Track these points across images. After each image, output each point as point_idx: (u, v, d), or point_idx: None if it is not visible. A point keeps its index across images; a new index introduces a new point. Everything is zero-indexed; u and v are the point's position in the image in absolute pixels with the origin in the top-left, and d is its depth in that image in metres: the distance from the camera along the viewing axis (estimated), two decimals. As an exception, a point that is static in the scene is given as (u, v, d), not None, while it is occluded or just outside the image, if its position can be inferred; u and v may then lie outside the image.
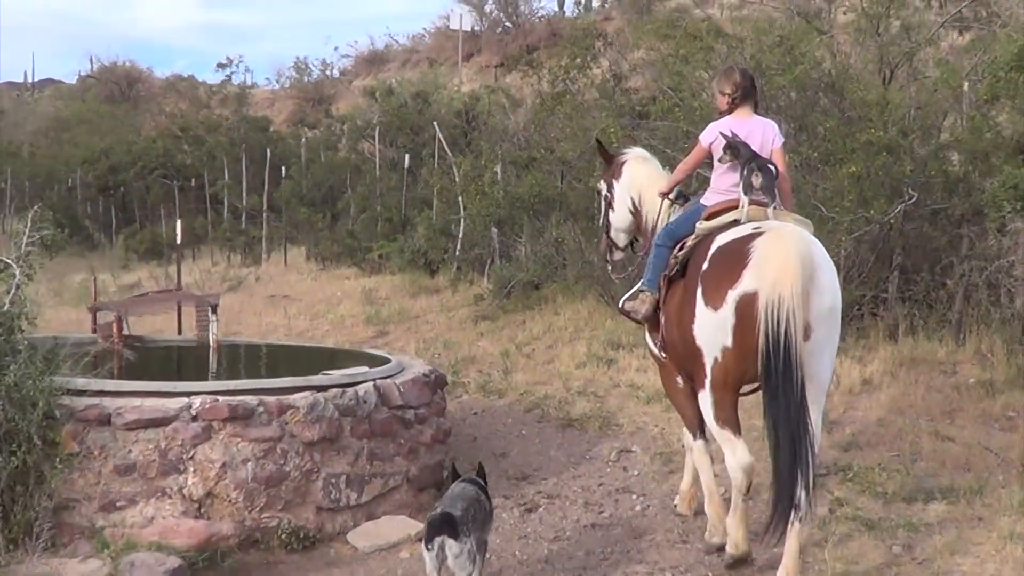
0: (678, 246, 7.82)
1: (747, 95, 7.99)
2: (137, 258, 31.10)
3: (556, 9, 47.70)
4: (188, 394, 8.19)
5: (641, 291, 8.10)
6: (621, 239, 9.25)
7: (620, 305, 8.52)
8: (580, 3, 49.26)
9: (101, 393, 8.14)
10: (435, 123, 22.47)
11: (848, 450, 10.16)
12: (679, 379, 8.16)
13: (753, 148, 7.74)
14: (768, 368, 6.62)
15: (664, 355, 8.08)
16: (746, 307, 6.73)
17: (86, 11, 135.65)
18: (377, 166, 25.37)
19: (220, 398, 8.13)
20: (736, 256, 6.92)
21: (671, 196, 8.65)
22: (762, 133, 7.92)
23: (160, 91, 57.22)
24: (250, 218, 29.86)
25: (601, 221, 9.44)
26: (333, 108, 41.25)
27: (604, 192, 9.25)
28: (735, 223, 7.37)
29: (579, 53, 17.37)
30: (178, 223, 13.66)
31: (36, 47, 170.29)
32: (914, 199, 12.60)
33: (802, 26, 16.28)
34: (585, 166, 16.46)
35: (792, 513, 6.65)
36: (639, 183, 8.92)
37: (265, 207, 28.42)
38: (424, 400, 9.44)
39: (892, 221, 12.72)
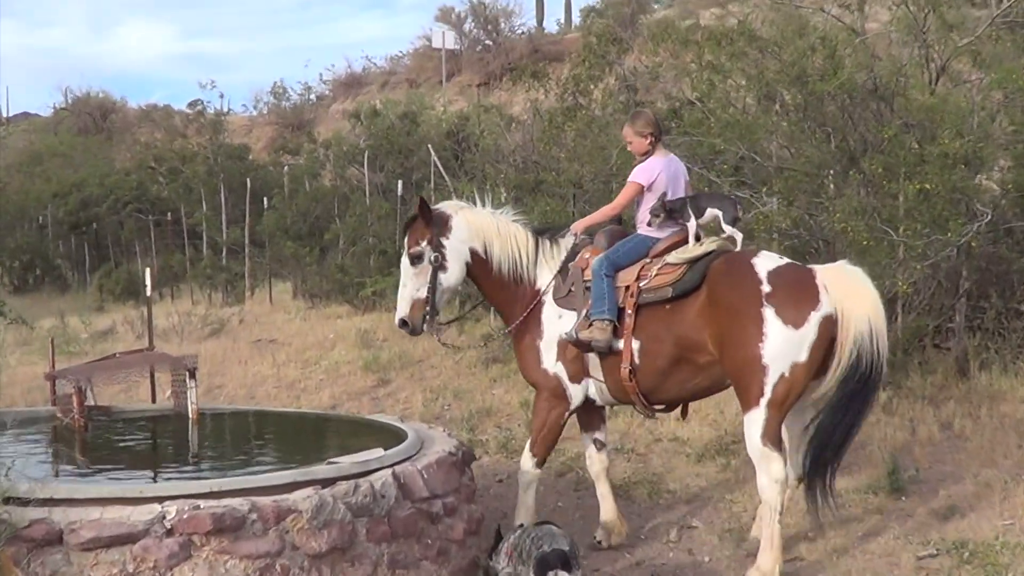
0: (636, 276, 8.15)
1: (662, 134, 8.73)
2: (112, 299, 29.28)
3: (536, 26, 46.66)
4: (160, 499, 6.44)
5: (599, 319, 8.09)
6: (445, 301, 9.02)
7: (574, 336, 8.26)
8: (560, 21, 48.45)
9: (50, 502, 6.39)
10: (429, 145, 20.76)
11: (950, 519, 8.71)
12: (568, 408, 8.59)
13: (682, 185, 8.55)
14: (861, 382, 7.61)
15: (631, 379, 8.17)
16: (826, 327, 7.51)
17: (64, 44, 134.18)
18: (367, 193, 23.69)
19: (201, 504, 6.39)
20: (804, 281, 7.68)
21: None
22: (682, 170, 8.73)
23: (135, 121, 55.49)
24: (231, 253, 28.08)
25: (419, 289, 8.71)
26: (314, 132, 39.59)
27: (430, 255, 8.67)
28: (716, 252, 8.07)
29: (593, 61, 15.62)
30: (147, 272, 11.82)
31: (13, 81, 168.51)
32: (988, 217, 11.08)
33: (837, 27, 14.70)
34: (601, 188, 14.82)
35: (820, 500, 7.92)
36: (483, 231, 8.75)
37: (247, 241, 26.71)
38: (452, 485, 7.72)
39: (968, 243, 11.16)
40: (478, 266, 8.72)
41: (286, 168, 30.17)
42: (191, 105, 43.56)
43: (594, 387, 8.50)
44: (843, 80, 12.22)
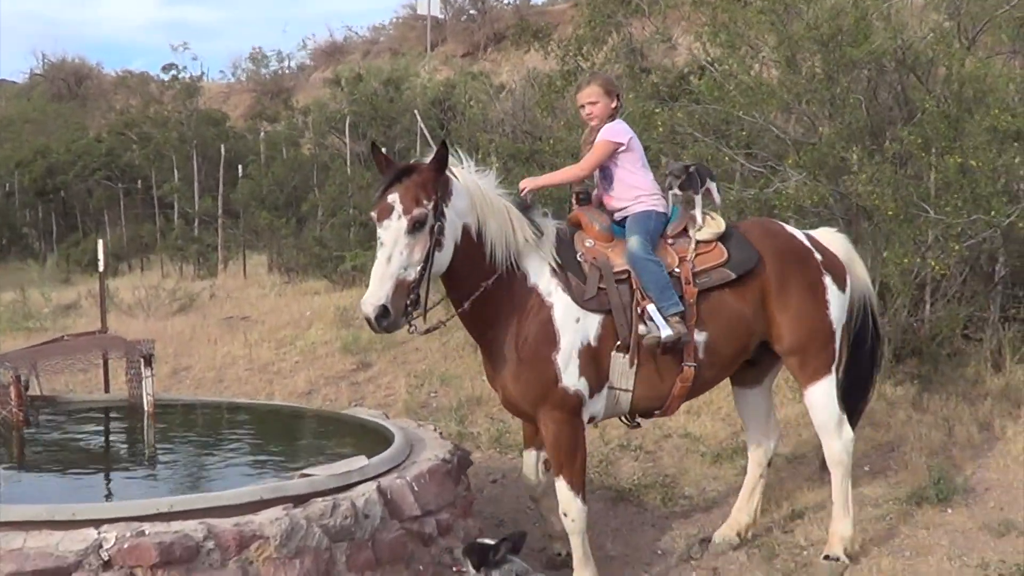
0: (677, 259, 7.10)
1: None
2: (80, 270, 28.10)
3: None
4: (97, 523, 5.29)
5: (671, 314, 6.84)
6: (423, 292, 6.39)
7: (660, 338, 6.76)
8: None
9: (-38, 525, 5.28)
10: (416, 112, 19.60)
11: (1005, 535, 7.85)
12: (584, 425, 6.96)
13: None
14: (874, 333, 8.05)
15: (692, 367, 7.05)
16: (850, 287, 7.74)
17: (44, 9, 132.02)
18: (348, 162, 22.54)
19: (147, 528, 5.26)
20: (828, 245, 7.75)
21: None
22: None
23: (111, 88, 54.35)
24: (204, 223, 26.86)
25: (408, 268, 6.29)
26: (293, 101, 38.37)
27: (432, 223, 6.34)
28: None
29: (600, 22, 14.41)
30: (99, 244, 10.55)
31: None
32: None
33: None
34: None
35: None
36: (480, 202, 6.63)
37: (220, 211, 25.52)
38: (446, 499, 6.61)
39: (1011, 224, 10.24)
40: (466, 250, 6.58)
41: (262, 135, 28.94)
42: (165, 69, 42.33)
43: (607, 399, 6.94)
44: (876, 47, 11.18)
